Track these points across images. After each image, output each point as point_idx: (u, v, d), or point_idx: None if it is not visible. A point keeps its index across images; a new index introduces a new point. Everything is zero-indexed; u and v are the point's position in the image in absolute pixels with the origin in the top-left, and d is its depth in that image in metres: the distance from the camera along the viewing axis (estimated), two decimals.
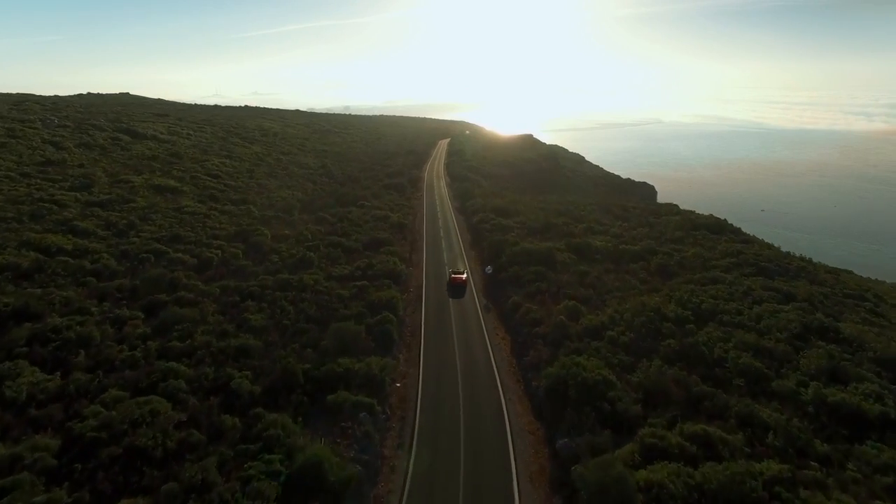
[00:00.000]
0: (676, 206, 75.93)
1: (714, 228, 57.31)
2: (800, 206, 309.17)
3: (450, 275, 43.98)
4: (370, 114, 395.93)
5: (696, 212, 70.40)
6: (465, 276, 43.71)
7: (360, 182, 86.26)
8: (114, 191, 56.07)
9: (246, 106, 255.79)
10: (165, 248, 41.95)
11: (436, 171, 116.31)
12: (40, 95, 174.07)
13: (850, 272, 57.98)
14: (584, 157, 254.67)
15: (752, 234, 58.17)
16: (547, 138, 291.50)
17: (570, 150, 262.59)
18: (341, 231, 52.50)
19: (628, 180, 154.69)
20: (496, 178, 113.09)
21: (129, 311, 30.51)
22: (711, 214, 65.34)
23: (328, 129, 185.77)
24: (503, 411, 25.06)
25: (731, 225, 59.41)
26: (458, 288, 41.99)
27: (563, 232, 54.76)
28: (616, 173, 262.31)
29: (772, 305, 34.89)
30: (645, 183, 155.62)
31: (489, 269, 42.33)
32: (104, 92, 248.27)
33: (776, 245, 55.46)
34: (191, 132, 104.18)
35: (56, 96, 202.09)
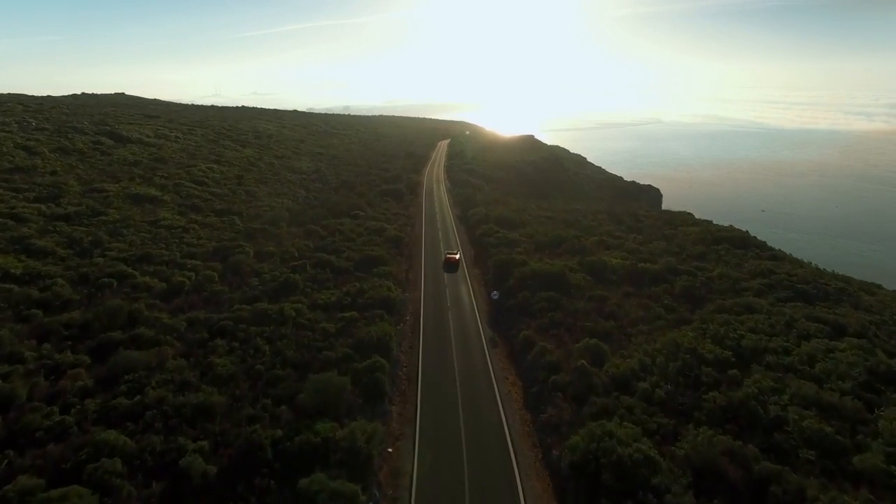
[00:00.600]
0: (691, 214, 71.00)
1: (738, 242, 52.41)
2: (801, 206, 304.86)
3: (445, 255, 51.32)
4: (370, 114, 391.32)
5: (714, 222, 65.56)
6: (458, 256, 51.72)
7: (355, 188, 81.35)
8: (84, 201, 51.13)
9: (243, 106, 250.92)
10: (131, 271, 37.05)
11: (435, 174, 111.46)
12: (31, 96, 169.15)
13: (881, 286, 53.15)
14: (585, 158, 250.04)
15: (778, 249, 53.30)
16: (547, 138, 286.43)
17: (571, 151, 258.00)
18: (331, 247, 47.56)
19: (633, 183, 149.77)
20: (498, 182, 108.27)
21: (72, 356, 25.62)
22: (731, 225, 60.47)
23: (326, 130, 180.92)
24: (519, 492, 20.19)
25: (756, 238, 54.50)
26: (451, 265, 49.36)
27: (575, 247, 49.86)
28: (618, 174, 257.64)
29: (822, 342, 30.00)
30: (650, 186, 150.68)
31: (496, 294, 37.46)
32: (101, 92, 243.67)
33: (808, 262, 50.62)
34: (180, 135, 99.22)
35: (48, 96, 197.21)
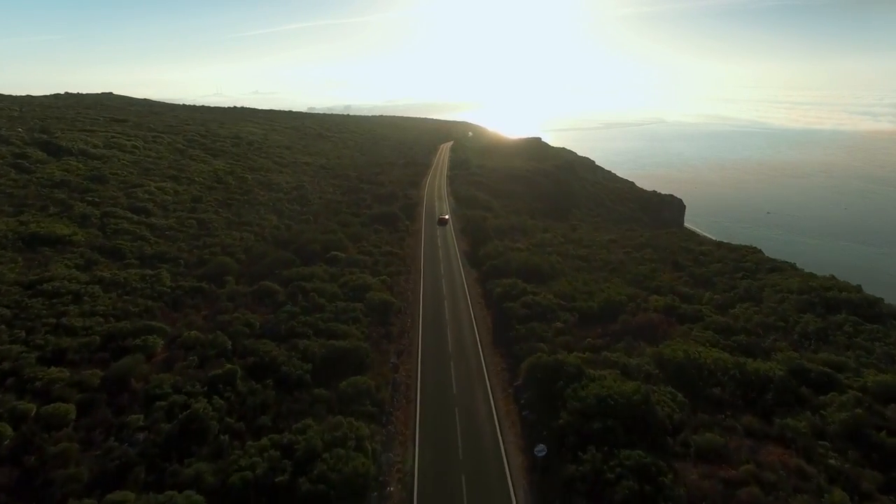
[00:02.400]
0: (760, 251, 55.28)
1: (863, 310, 36.55)
2: (807, 208, 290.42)
3: (438, 216, 64.66)
4: (370, 114, 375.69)
5: (797, 265, 49.80)
6: (447, 217, 62.76)
7: (340, 212, 65.50)
8: None
9: (234, 107, 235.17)
10: None
11: (437, 188, 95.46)
12: (6, 95, 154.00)
13: None
14: (594, 162, 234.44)
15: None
16: (549, 139, 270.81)
17: (579, 154, 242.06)
18: (286, 325, 31.83)
19: (655, 193, 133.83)
20: (510, 197, 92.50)
21: None
22: (832, 276, 44.64)
23: (319, 132, 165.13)
24: None
25: (884, 302, 38.57)
26: (442, 222, 61.89)
27: (640, 322, 34.08)
28: (626, 178, 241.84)
29: None
30: (672, 196, 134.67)
31: (541, 449, 21.72)
32: (99, 91, 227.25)
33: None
34: (140, 144, 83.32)
35: (27, 96, 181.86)
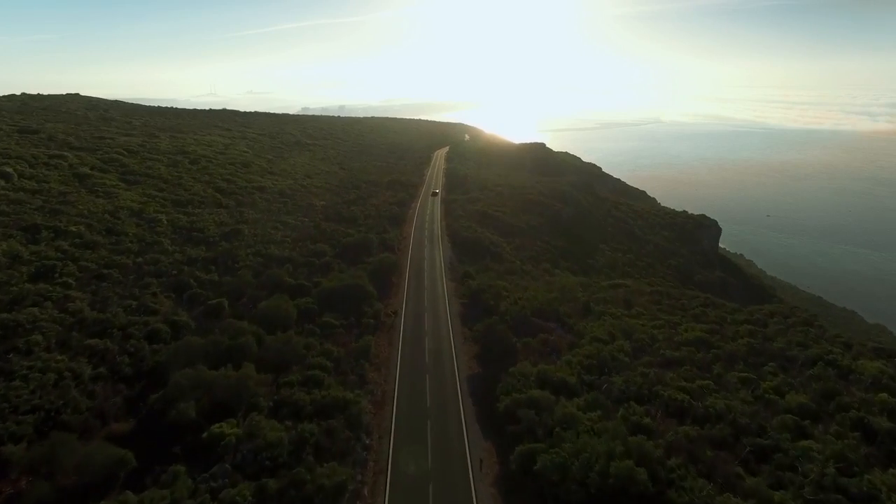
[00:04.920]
0: None
1: None
2: (808, 210, 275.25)
3: (432, 191, 79.13)
4: (365, 115, 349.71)
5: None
6: (439, 191, 79.45)
7: (277, 286, 41.47)
8: None
9: (211, 109, 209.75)
10: None
11: (429, 222, 71.45)
12: None
13: None
14: (601, 169, 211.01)
15: None
16: (547, 139, 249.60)
17: (582, 158, 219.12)
18: None
19: (687, 216, 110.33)
20: (523, 234, 68.86)
21: None
22: None
23: (298, 140, 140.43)
24: None
25: None
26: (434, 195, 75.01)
27: None
28: (629, 180, 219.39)
29: None
30: (706, 217, 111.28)
31: None
32: (65, 92, 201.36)
33: None
34: (19, 169, 58.95)
35: None
